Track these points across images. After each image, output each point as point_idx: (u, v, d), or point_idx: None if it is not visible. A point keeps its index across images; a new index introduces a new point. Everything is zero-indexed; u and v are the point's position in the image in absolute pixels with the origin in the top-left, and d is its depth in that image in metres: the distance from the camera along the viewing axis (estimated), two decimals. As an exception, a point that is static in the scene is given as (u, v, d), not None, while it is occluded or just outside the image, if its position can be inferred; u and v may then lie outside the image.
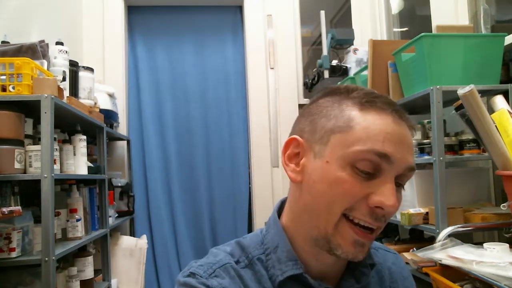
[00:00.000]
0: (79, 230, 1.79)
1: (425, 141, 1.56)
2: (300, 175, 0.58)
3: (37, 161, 1.49)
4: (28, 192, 1.65)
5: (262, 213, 2.89)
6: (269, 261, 0.59)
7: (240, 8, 3.20)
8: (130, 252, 2.50)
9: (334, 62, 2.50)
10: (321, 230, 0.55)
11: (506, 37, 1.50)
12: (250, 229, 3.02)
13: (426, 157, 1.52)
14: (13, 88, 1.46)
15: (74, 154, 1.80)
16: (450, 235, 1.28)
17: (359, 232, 0.53)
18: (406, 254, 1.53)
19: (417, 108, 1.76)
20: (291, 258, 0.58)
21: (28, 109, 1.52)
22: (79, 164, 1.83)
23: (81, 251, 1.89)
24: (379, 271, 0.66)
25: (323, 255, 0.57)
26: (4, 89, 1.46)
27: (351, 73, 2.36)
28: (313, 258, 0.59)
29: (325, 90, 0.61)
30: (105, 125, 2.21)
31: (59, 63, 1.76)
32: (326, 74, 2.47)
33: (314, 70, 2.64)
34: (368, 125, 0.53)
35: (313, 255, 0.58)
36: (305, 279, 0.57)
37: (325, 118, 0.57)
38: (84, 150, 1.88)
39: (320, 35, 2.63)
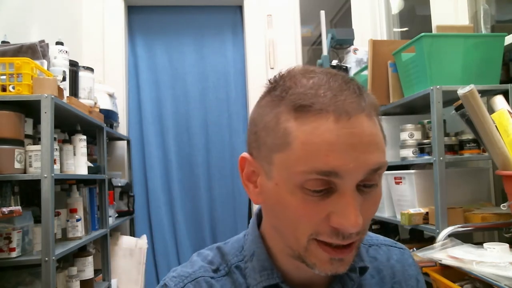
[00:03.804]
0: (79, 230, 1.79)
1: (425, 141, 1.56)
2: (261, 196, 0.53)
3: (37, 161, 1.49)
4: (28, 192, 1.65)
5: (262, 213, 2.89)
6: (247, 269, 0.56)
7: (240, 8, 3.20)
8: (130, 252, 2.50)
9: (334, 62, 2.50)
10: (294, 250, 0.50)
11: (506, 37, 1.50)
12: (250, 229, 3.02)
13: (426, 157, 1.52)
14: (13, 88, 1.46)
15: (74, 154, 1.80)
16: (450, 235, 1.28)
17: (331, 251, 0.47)
18: (406, 254, 1.53)
19: (417, 108, 1.76)
20: (266, 267, 0.55)
21: (28, 109, 1.52)
22: (79, 164, 1.83)
23: (81, 251, 1.89)
24: (380, 270, 0.61)
25: (303, 266, 0.51)
26: (4, 89, 1.46)
27: (351, 73, 2.36)
28: (294, 267, 0.55)
29: (268, 84, 0.52)
30: (105, 125, 2.21)
31: (59, 63, 1.76)
32: (326, 74, 2.47)
33: (314, 70, 2.63)
34: (306, 139, 0.45)
35: (293, 264, 0.54)
36: None
37: (264, 131, 0.50)
38: (84, 150, 1.88)
39: (320, 35, 2.62)
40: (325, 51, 2.51)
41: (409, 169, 1.63)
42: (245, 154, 0.54)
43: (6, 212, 1.31)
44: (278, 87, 0.50)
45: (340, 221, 0.45)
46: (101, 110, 2.26)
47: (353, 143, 0.44)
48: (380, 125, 0.49)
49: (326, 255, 0.48)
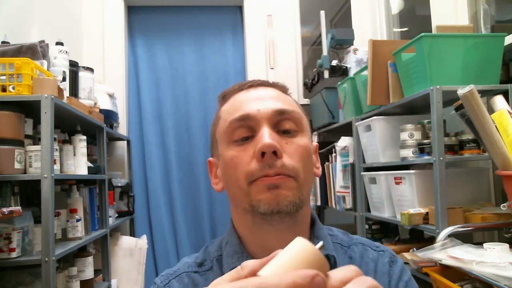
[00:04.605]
0: (79, 230, 1.79)
1: (425, 141, 1.56)
2: (220, 182, 0.65)
3: (37, 161, 1.49)
4: (28, 192, 1.65)
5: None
6: (223, 259, 0.64)
7: (240, 8, 3.20)
8: (130, 252, 2.50)
9: (334, 62, 2.50)
10: (244, 204, 0.59)
11: (506, 37, 1.50)
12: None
13: (426, 157, 1.52)
14: (13, 88, 1.46)
15: (74, 154, 1.80)
16: (450, 235, 1.28)
17: (265, 179, 0.57)
18: (406, 254, 1.53)
19: (417, 108, 1.76)
20: (237, 251, 0.62)
21: (28, 109, 1.52)
22: (79, 164, 1.83)
23: (81, 251, 1.90)
24: (356, 266, 0.65)
25: (264, 237, 0.60)
26: (4, 89, 1.46)
27: (351, 73, 2.36)
28: (261, 247, 0.61)
29: None
30: (105, 125, 2.21)
31: (59, 63, 1.76)
32: (326, 74, 2.47)
33: (314, 70, 2.63)
34: (228, 107, 0.64)
35: (259, 243, 0.61)
36: None
37: (212, 127, 0.68)
38: (84, 150, 1.88)
39: (320, 35, 2.63)
40: (325, 51, 2.51)
41: (409, 169, 1.63)
42: (209, 159, 0.69)
43: (6, 212, 1.31)
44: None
45: (258, 146, 0.57)
46: (101, 110, 2.26)
47: (258, 97, 0.62)
48: (295, 101, 0.66)
49: (263, 184, 0.57)
